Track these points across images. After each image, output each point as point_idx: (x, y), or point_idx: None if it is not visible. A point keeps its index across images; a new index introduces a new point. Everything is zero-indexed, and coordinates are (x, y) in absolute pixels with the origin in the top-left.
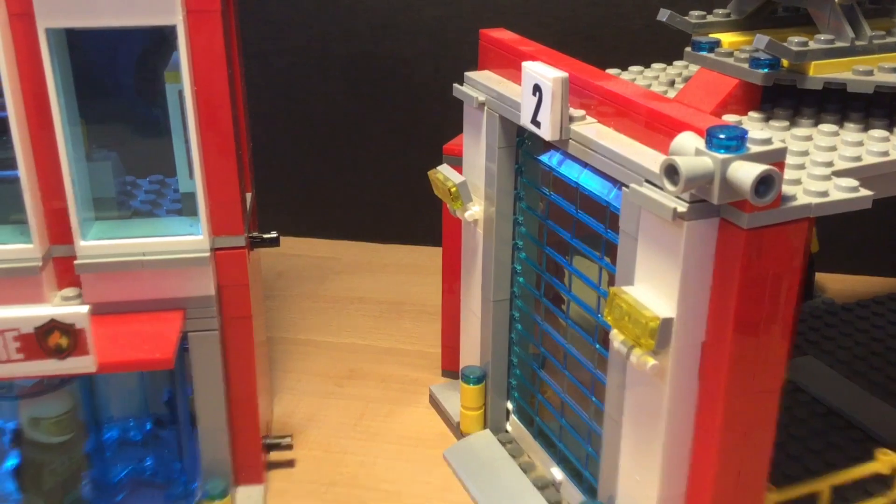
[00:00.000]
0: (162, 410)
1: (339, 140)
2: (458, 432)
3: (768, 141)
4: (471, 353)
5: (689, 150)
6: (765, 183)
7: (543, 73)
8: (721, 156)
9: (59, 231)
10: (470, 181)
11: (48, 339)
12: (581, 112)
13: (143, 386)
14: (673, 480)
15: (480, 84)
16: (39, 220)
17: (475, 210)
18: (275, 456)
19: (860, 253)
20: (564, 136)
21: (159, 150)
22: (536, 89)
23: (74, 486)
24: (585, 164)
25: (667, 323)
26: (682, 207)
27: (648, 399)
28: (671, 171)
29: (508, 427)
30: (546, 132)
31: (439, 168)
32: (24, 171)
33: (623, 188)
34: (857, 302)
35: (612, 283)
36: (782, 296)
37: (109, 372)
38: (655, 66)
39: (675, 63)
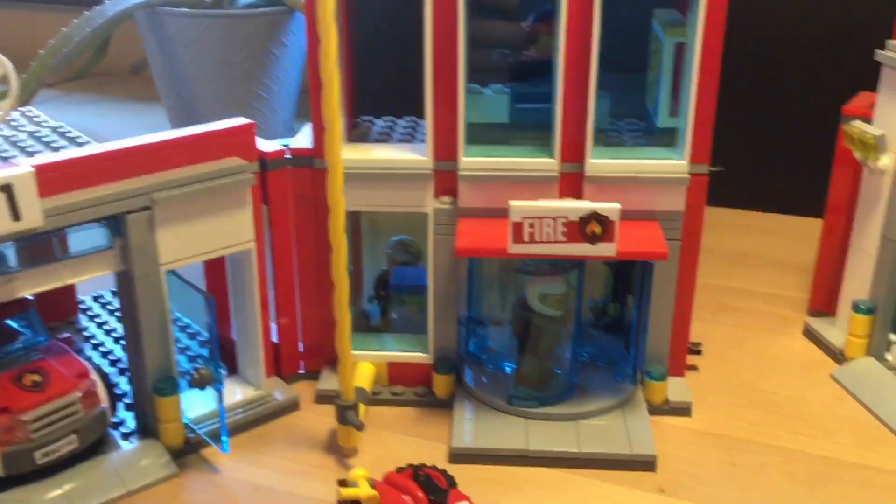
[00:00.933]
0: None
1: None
2: (841, 357)
3: None
4: (857, 288)
5: None
6: None
7: None
8: None
9: (570, 152)
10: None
11: (587, 226)
12: None
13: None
14: None
15: None
16: (560, 141)
17: (886, 161)
18: (687, 359)
19: None
20: None
21: (639, 93)
22: None
23: (552, 356)
24: None
25: None
26: None
27: None
28: None
29: (889, 356)
30: None
31: (855, 123)
32: (559, 102)
33: None
34: None
35: None
36: None
37: (623, 259)
38: None
39: None
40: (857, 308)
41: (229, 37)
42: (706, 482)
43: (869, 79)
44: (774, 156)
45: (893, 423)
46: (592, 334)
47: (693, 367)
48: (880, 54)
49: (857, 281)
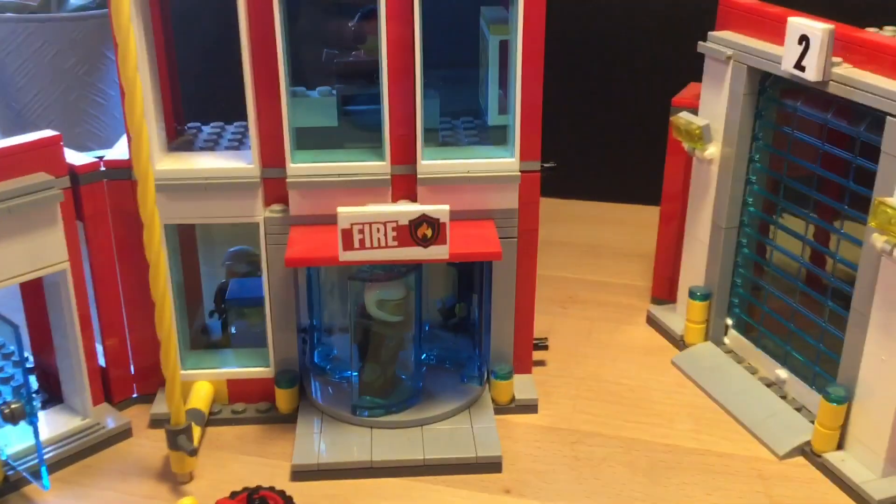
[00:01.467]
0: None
1: None
2: (681, 344)
3: None
4: (694, 275)
5: None
6: None
7: (811, 24)
8: None
9: (401, 154)
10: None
11: (418, 230)
12: (839, 59)
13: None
14: None
15: (726, 41)
16: (390, 143)
17: (712, 150)
18: (533, 355)
19: None
20: (827, 78)
21: (471, 92)
22: (803, 39)
23: (395, 362)
24: (828, 108)
25: None
26: None
27: None
28: None
29: (726, 340)
30: (811, 75)
31: (681, 114)
32: (386, 103)
33: (891, 117)
34: None
35: (851, 204)
36: None
37: (456, 260)
38: (870, 28)
39: (886, 28)
40: (692, 294)
41: (58, 41)
42: (550, 479)
43: (700, 70)
44: (617, 147)
45: (730, 406)
46: (440, 336)
47: (540, 363)
48: (703, 46)
49: (693, 268)
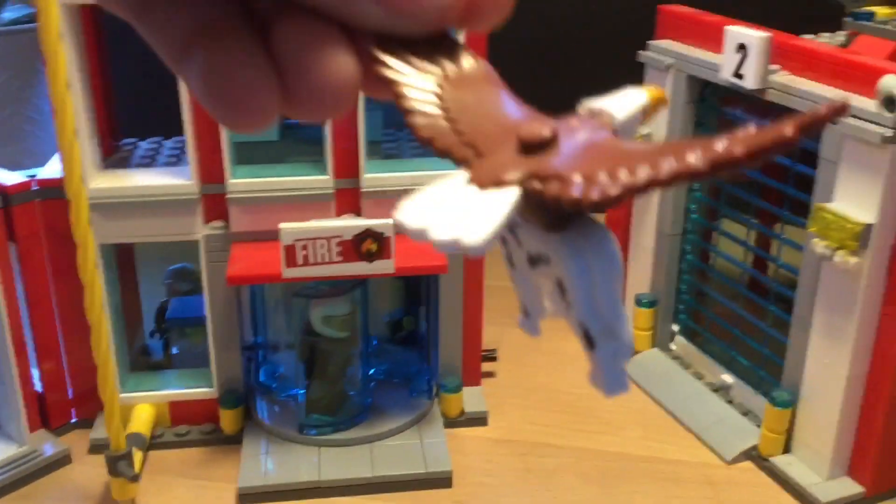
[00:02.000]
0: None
1: None
2: None
3: None
4: (639, 283)
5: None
6: None
7: (748, 33)
8: None
9: (345, 168)
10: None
11: (362, 245)
12: (776, 66)
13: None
14: (860, 360)
15: (666, 50)
16: (332, 157)
17: None
18: (483, 367)
19: None
20: (765, 86)
21: None
22: (741, 48)
23: (343, 378)
24: (766, 115)
25: (868, 228)
26: (888, 133)
27: (842, 295)
28: (889, 102)
29: (673, 346)
30: (749, 83)
31: None
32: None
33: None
34: None
35: (790, 209)
36: None
37: (402, 274)
38: (805, 35)
39: (822, 34)
40: (638, 302)
41: None
42: (501, 491)
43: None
44: None
45: (677, 412)
46: (389, 350)
47: (490, 374)
48: (643, 55)
49: (639, 275)
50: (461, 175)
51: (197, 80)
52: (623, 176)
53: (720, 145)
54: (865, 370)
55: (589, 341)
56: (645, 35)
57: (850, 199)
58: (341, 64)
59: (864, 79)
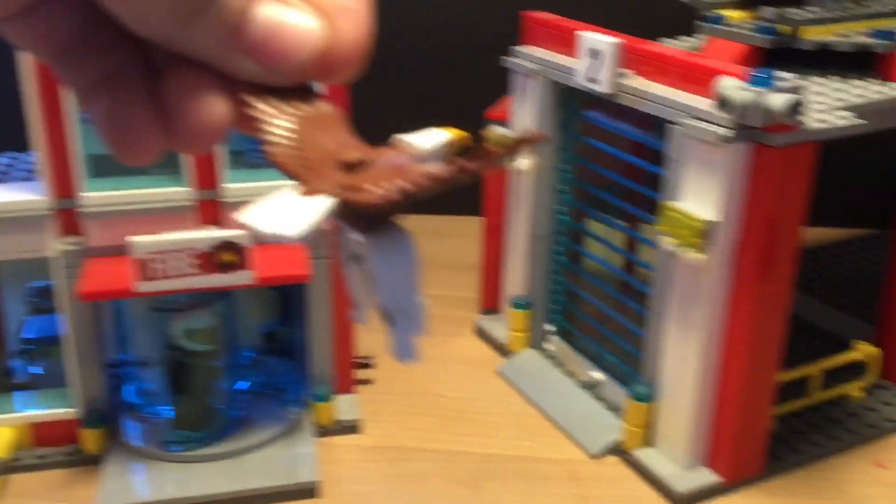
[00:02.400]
0: (259, 343)
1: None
2: (506, 352)
3: (792, 79)
4: (515, 285)
5: (734, 88)
6: (795, 107)
7: (601, 39)
8: (760, 89)
9: (205, 179)
10: None
11: (219, 256)
12: (628, 71)
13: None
14: (709, 353)
15: (529, 56)
16: (191, 168)
17: (524, 162)
18: (359, 374)
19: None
20: (617, 90)
21: None
22: (594, 53)
23: (210, 392)
24: (623, 117)
25: (711, 225)
26: (726, 133)
27: (692, 290)
28: (724, 103)
29: (548, 346)
30: (603, 87)
31: (492, 127)
32: None
33: (672, 125)
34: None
35: (646, 209)
36: (797, 203)
37: (262, 285)
38: (664, 39)
39: (679, 37)
40: (513, 303)
41: None
42: (371, 498)
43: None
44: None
45: (549, 410)
46: (265, 362)
47: (367, 381)
48: (508, 61)
49: (515, 277)
50: (296, 187)
51: (98, 123)
52: (398, 184)
53: (441, 169)
54: (716, 363)
55: (390, 322)
56: (514, 42)
57: (695, 198)
58: (215, 109)
59: (706, 81)
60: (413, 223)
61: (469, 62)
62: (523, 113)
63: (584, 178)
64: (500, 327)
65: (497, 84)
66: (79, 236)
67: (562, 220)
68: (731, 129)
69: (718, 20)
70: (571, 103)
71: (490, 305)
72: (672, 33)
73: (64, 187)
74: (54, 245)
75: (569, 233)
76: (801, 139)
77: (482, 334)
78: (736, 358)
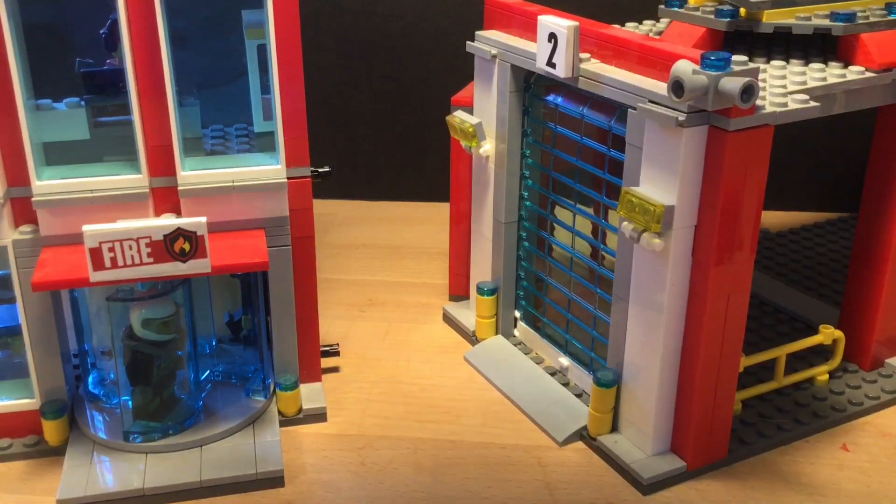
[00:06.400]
0: (223, 332)
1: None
2: (474, 339)
3: (746, 62)
4: (482, 271)
5: (687, 72)
6: (748, 91)
7: (558, 22)
8: (714, 73)
9: (160, 166)
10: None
11: (174, 244)
12: (587, 55)
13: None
14: (672, 338)
15: (491, 40)
16: (145, 155)
17: (488, 147)
18: (324, 362)
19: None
20: (576, 74)
21: (236, 98)
22: (552, 37)
23: (172, 382)
24: (584, 102)
25: (670, 210)
26: (682, 117)
27: (653, 275)
28: (677, 87)
29: (516, 332)
30: (561, 72)
31: (456, 113)
32: (136, 113)
33: (631, 109)
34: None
35: (608, 195)
36: (755, 187)
37: (220, 273)
38: (629, 24)
39: (645, 22)
40: (480, 290)
41: None
42: (334, 487)
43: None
44: (418, 146)
45: (515, 397)
46: (229, 351)
47: (333, 370)
48: (470, 45)
49: (481, 263)
50: None
51: None
52: None
53: None
54: (679, 348)
55: None
56: (479, 26)
57: (653, 183)
58: None
59: (663, 65)
60: (383, 210)
61: (435, 47)
62: (487, 98)
63: (549, 164)
64: (467, 313)
65: (463, 69)
66: (33, 225)
67: (527, 206)
68: (687, 113)
69: (680, 4)
70: (534, 88)
71: (458, 292)
72: (640, 18)
73: (16, 175)
74: (9, 234)
75: (533, 218)
76: (758, 123)
77: (449, 321)
78: (698, 343)
